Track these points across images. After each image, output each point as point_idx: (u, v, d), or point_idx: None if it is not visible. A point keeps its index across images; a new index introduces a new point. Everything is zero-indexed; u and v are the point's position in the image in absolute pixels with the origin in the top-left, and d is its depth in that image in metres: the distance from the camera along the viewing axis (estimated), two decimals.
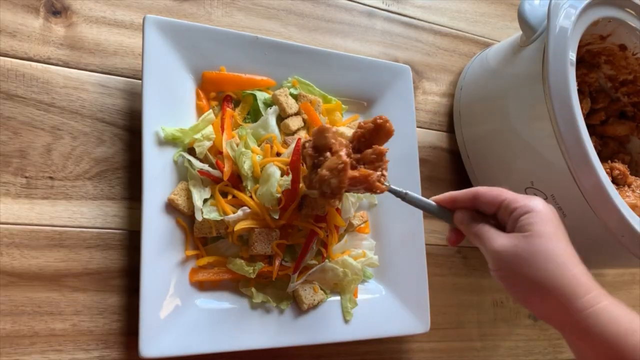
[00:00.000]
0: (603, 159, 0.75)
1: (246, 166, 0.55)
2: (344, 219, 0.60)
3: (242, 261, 0.55)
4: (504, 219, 0.47)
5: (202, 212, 0.53)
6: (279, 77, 0.62)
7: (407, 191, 0.52)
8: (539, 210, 0.44)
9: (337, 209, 0.59)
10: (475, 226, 0.48)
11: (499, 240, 0.45)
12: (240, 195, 0.55)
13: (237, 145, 0.56)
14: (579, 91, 0.70)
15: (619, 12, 0.68)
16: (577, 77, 0.75)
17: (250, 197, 0.55)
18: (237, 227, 0.54)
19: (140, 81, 0.56)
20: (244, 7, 0.67)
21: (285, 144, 0.59)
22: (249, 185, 0.55)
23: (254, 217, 0.55)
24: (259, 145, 0.58)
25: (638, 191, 0.73)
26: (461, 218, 0.50)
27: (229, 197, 0.55)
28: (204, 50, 0.58)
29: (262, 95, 0.61)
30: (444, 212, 0.52)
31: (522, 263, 0.43)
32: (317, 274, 0.59)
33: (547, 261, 0.42)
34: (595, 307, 0.41)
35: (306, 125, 0.62)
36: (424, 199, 0.52)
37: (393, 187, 0.52)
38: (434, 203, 0.52)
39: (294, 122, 0.60)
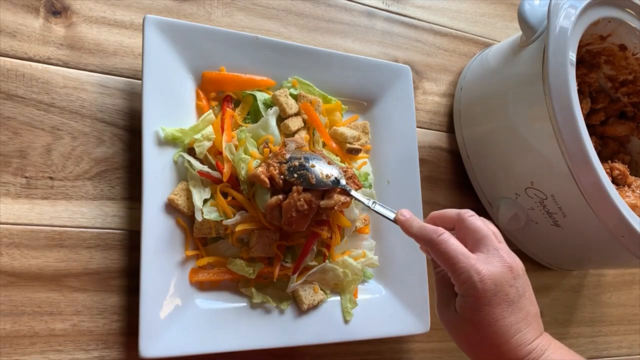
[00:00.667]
0: (603, 159, 0.75)
1: (244, 172, 0.55)
2: (349, 219, 0.60)
3: (242, 261, 0.55)
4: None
5: (202, 213, 0.53)
6: (279, 77, 0.62)
7: (375, 202, 0.55)
8: (472, 295, 0.45)
9: (342, 212, 0.59)
10: (436, 274, 0.53)
11: (442, 312, 0.50)
12: (239, 197, 0.55)
13: (236, 148, 0.56)
14: (579, 91, 0.70)
15: (619, 12, 0.68)
16: (577, 77, 0.75)
17: (249, 199, 0.55)
18: (237, 228, 0.54)
19: (140, 81, 0.56)
20: (244, 7, 0.67)
21: (284, 145, 0.59)
22: (246, 190, 0.55)
23: (252, 219, 0.55)
24: (258, 147, 0.58)
25: (638, 191, 0.73)
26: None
27: (229, 197, 0.55)
28: (204, 50, 0.58)
29: (262, 96, 0.61)
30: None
31: (460, 337, 0.48)
32: (317, 274, 0.59)
33: (480, 341, 0.46)
34: None
35: (306, 126, 0.62)
36: (386, 211, 0.54)
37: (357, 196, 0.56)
38: (392, 216, 0.53)
39: (294, 123, 0.60)
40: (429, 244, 0.48)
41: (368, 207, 0.55)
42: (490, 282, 0.45)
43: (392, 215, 0.53)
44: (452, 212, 0.52)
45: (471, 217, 0.50)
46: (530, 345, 0.45)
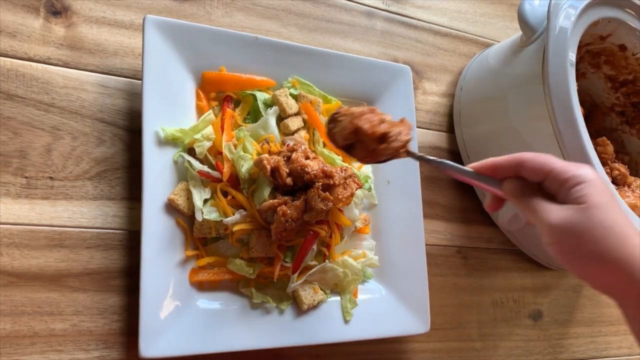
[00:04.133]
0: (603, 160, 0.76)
1: (244, 169, 0.55)
2: (350, 218, 0.60)
3: (242, 261, 0.55)
4: (552, 188, 0.44)
5: (202, 213, 0.53)
6: (279, 77, 0.62)
7: (443, 160, 0.50)
8: (592, 180, 0.42)
9: (340, 210, 0.59)
10: (528, 199, 0.45)
11: (554, 213, 0.43)
12: (239, 196, 0.55)
13: (235, 147, 0.56)
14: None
15: (619, 12, 0.68)
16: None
17: (248, 198, 0.55)
18: (236, 228, 0.54)
19: (140, 81, 0.56)
20: (244, 7, 0.67)
21: (283, 143, 0.59)
22: (246, 188, 0.55)
23: (251, 219, 0.55)
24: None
25: (638, 191, 0.73)
26: (512, 190, 0.46)
27: (229, 197, 0.55)
28: (204, 50, 0.58)
29: (262, 96, 0.61)
30: (484, 179, 0.48)
31: (580, 236, 0.41)
32: (317, 274, 0.59)
33: (606, 233, 0.41)
34: None
35: (306, 126, 0.62)
36: (461, 166, 0.49)
37: (426, 156, 0.51)
38: (471, 170, 0.48)
39: (294, 123, 0.60)
40: (532, 157, 0.44)
41: (439, 163, 0.49)
42: (601, 179, 0.42)
43: (469, 170, 0.48)
44: (505, 161, 0.46)
45: (529, 155, 0.45)
46: None
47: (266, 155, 0.54)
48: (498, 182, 0.47)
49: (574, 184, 0.42)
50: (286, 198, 0.54)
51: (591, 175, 0.42)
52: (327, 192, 0.54)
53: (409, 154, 0.51)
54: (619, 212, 0.42)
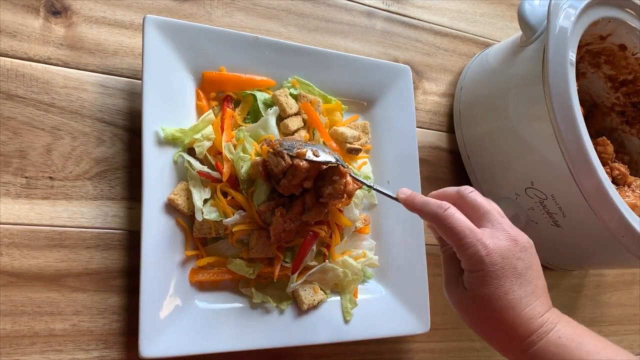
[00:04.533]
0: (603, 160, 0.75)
1: (243, 170, 0.55)
2: (350, 219, 0.60)
3: (242, 261, 0.55)
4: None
5: (202, 213, 0.53)
6: (279, 77, 0.62)
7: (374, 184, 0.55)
8: (479, 270, 0.45)
9: (340, 210, 0.59)
10: (443, 252, 0.51)
11: (450, 290, 0.49)
12: (238, 197, 0.55)
13: (235, 147, 0.56)
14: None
15: (619, 12, 0.68)
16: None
17: (248, 199, 0.55)
18: (236, 229, 0.54)
19: (140, 81, 0.56)
20: (244, 7, 0.67)
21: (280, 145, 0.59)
22: (245, 189, 0.55)
23: (251, 220, 0.55)
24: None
25: (638, 191, 0.73)
26: (434, 232, 0.52)
27: (229, 197, 0.55)
28: (204, 50, 0.58)
29: (262, 96, 0.61)
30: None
31: (469, 314, 0.48)
32: (317, 274, 0.59)
33: (490, 317, 0.46)
34: (538, 346, 0.45)
35: (306, 126, 0.62)
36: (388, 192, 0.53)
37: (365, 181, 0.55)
38: (394, 194, 0.52)
39: (293, 122, 0.60)
40: (435, 219, 0.47)
41: (369, 187, 0.54)
42: (497, 255, 0.45)
43: (393, 194, 0.52)
44: (451, 190, 0.51)
45: (471, 193, 0.50)
46: (541, 318, 0.45)
47: (257, 158, 0.54)
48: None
49: (467, 268, 0.46)
50: (284, 199, 0.54)
51: (485, 259, 0.45)
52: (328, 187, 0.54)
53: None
54: (499, 301, 0.45)
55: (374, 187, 0.54)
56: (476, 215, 0.48)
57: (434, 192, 0.53)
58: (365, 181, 0.54)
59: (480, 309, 0.46)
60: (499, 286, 0.45)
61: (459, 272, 0.48)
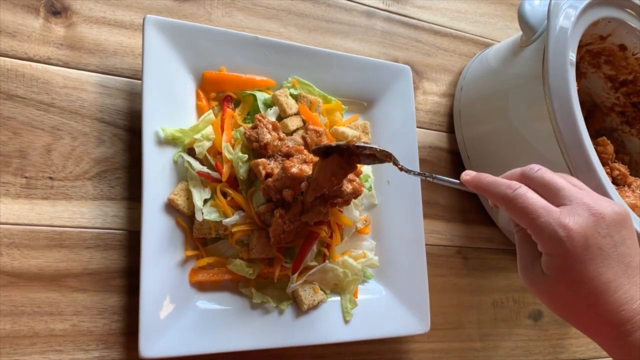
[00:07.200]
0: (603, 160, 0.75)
1: (242, 170, 0.55)
2: (350, 219, 0.60)
3: (242, 262, 0.55)
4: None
5: (202, 213, 0.53)
6: (279, 77, 0.62)
7: (434, 175, 0.50)
8: (559, 254, 0.40)
9: (340, 211, 0.59)
10: (517, 232, 0.45)
11: (527, 273, 0.44)
12: (238, 197, 0.55)
13: (233, 147, 0.56)
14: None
15: (619, 12, 0.68)
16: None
17: (247, 199, 0.55)
18: (235, 229, 0.54)
19: (140, 81, 0.56)
20: (244, 7, 0.67)
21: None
22: (245, 189, 0.55)
23: (250, 220, 0.55)
24: None
25: (638, 191, 0.73)
26: (507, 221, 0.47)
27: (228, 198, 0.55)
28: (204, 50, 0.58)
29: (262, 96, 0.61)
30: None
31: (551, 299, 0.42)
32: (317, 274, 0.59)
33: (575, 303, 0.41)
34: (636, 336, 0.39)
35: (305, 125, 0.62)
36: (451, 179, 0.49)
37: (413, 170, 0.51)
38: (457, 181, 0.48)
39: (293, 122, 0.60)
40: (504, 201, 0.42)
41: (427, 179, 0.50)
42: (579, 235, 0.39)
43: (456, 181, 0.48)
44: (514, 172, 0.45)
45: (538, 171, 0.43)
46: (637, 304, 0.39)
47: (263, 159, 0.54)
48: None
49: (545, 252, 0.41)
50: (284, 200, 0.54)
51: (565, 241, 0.40)
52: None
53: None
54: (589, 274, 0.40)
55: (434, 177, 0.49)
56: (549, 194, 0.42)
57: (496, 177, 0.47)
58: (423, 173, 0.50)
59: (562, 295, 0.41)
60: (583, 270, 0.39)
61: (536, 255, 0.43)
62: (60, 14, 0.56)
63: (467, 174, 0.46)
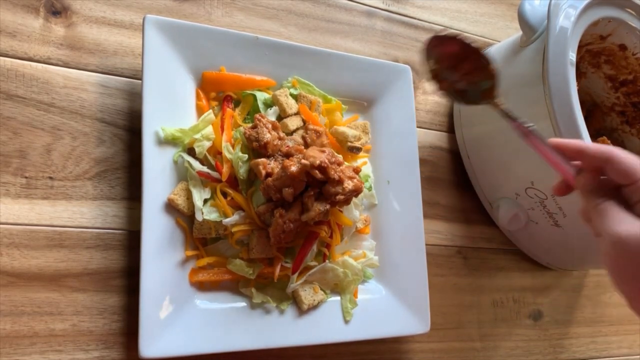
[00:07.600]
0: None
1: (242, 170, 0.55)
2: (351, 218, 0.60)
3: (242, 262, 0.55)
4: (635, 198, 0.39)
5: (202, 213, 0.53)
6: (279, 77, 0.62)
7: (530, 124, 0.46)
8: None
9: (341, 210, 0.59)
10: (599, 199, 0.40)
11: (624, 224, 0.37)
12: (238, 197, 0.55)
13: (233, 147, 0.56)
14: None
15: (619, 12, 0.68)
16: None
17: (247, 199, 0.55)
18: (235, 229, 0.54)
19: (140, 81, 0.56)
20: (244, 7, 0.67)
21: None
22: (245, 189, 0.55)
23: (250, 220, 0.55)
24: None
25: None
26: (585, 183, 0.41)
27: (228, 198, 0.55)
28: (204, 50, 0.58)
29: (262, 96, 0.61)
30: (561, 159, 0.44)
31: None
32: (317, 274, 0.59)
33: None
34: None
35: (305, 125, 0.62)
36: (542, 137, 0.45)
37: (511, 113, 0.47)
38: (550, 144, 0.44)
39: (293, 122, 0.60)
40: (603, 154, 0.40)
41: (519, 125, 0.46)
42: None
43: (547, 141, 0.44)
44: (594, 152, 0.41)
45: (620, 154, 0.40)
46: None
47: (263, 159, 0.54)
48: (574, 168, 0.43)
49: None
50: (284, 200, 0.54)
51: None
52: (326, 186, 0.53)
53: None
54: None
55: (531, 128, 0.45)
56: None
57: (562, 142, 0.44)
58: (517, 118, 0.46)
59: None
60: None
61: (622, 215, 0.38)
62: (60, 14, 0.56)
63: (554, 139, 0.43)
